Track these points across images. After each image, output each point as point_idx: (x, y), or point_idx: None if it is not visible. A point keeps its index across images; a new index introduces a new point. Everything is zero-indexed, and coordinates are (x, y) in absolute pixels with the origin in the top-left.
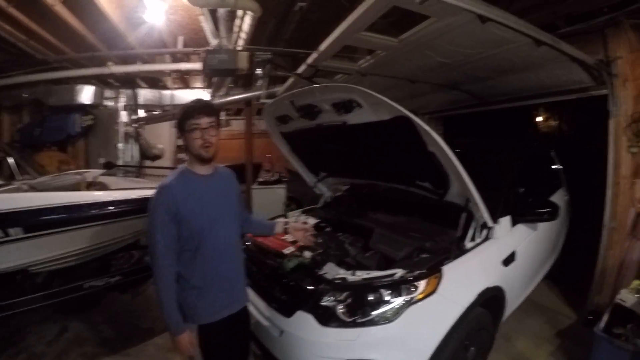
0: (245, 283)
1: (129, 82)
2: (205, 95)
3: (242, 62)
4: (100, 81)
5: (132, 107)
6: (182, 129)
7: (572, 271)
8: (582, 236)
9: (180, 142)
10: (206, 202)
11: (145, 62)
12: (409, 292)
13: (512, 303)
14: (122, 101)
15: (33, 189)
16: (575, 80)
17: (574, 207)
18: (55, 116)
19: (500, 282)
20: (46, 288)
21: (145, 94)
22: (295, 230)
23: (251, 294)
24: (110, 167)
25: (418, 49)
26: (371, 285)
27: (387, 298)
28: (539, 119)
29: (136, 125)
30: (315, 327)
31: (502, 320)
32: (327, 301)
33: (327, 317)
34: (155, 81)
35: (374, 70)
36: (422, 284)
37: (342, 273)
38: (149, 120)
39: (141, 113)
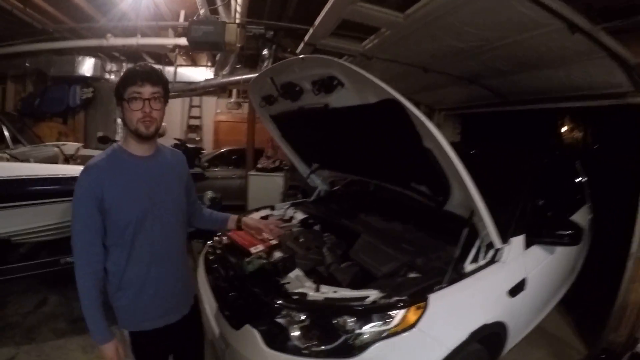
0: (190, 290)
1: (133, 56)
2: (208, 73)
3: (231, 36)
4: (106, 54)
5: None
6: (120, 96)
7: (587, 299)
8: (603, 261)
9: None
10: (139, 189)
11: (145, 35)
12: (381, 323)
13: (515, 337)
14: None
15: (14, 158)
16: (612, 83)
17: (598, 228)
18: (55, 87)
19: (502, 317)
20: (30, 259)
21: None
22: (248, 227)
23: (209, 294)
24: (104, 141)
25: (427, 28)
26: (333, 308)
27: (351, 327)
28: (564, 128)
29: None
30: (260, 348)
31: (501, 355)
32: (280, 319)
33: (275, 339)
34: (161, 57)
35: (379, 52)
36: (399, 315)
37: (306, 286)
38: None
39: None
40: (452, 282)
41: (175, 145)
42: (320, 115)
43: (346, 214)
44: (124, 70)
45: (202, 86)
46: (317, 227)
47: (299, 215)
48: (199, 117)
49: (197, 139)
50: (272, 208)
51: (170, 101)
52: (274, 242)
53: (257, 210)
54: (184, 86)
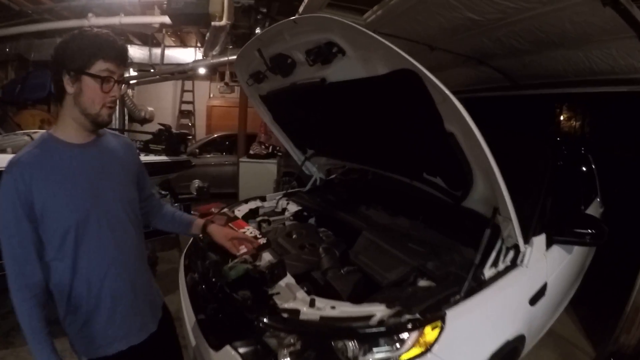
0: (156, 301)
1: (117, 37)
2: (198, 55)
3: (215, 6)
4: None
5: None
6: (80, 69)
7: (595, 298)
8: (613, 259)
9: (74, 90)
10: (78, 185)
11: (128, 14)
12: (390, 348)
13: (529, 346)
14: None
15: None
16: (637, 68)
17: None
18: (37, 72)
19: (524, 329)
20: None
21: (133, 52)
22: (216, 233)
23: (188, 303)
24: None
25: None
26: (331, 331)
27: (353, 353)
28: (567, 116)
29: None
30: None
31: None
32: (268, 339)
33: None
34: (147, 38)
35: (384, 26)
36: (411, 338)
37: (299, 298)
38: (135, 79)
39: (132, 73)
40: (470, 292)
41: (160, 131)
42: (316, 93)
43: (345, 206)
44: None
45: (190, 68)
46: (312, 221)
47: (292, 207)
48: (191, 102)
49: (189, 124)
50: (263, 199)
51: (161, 86)
52: (262, 240)
53: (246, 202)
54: (173, 68)
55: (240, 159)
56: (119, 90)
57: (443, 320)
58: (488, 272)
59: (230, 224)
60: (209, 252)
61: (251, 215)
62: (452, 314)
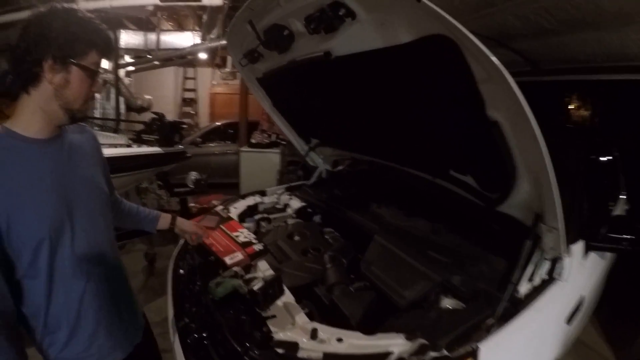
0: (138, 309)
1: (112, 22)
2: (195, 39)
3: None
4: None
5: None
6: (70, 57)
7: (618, 300)
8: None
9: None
10: (47, 188)
11: None
12: None
13: None
14: None
15: None
16: None
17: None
18: None
19: (557, 351)
20: None
21: (127, 39)
22: (182, 231)
23: (172, 324)
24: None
25: None
26: None
27: None
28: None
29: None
30: None
31: None
32: None
33: None
34: (143, 22)
35: None
36: None
37: (298, 322)
38: (132, 66)
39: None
40: (505, 318)
41: (153, 120)
42: (319, 71)
43: (354, 203)
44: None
45: (188, 52)
46: (317, 219)
47: (295, 203)
48: (193, 90)
49: (192, 112)
50: (263, 194)
51: (162, 73)
52: (258, 247)
53: (244, 197)
54: (169, 53)
55: (241, 149)
56: (100, 85)
57: (476, 356)
58: (524, 287)
59: (222, 227)
60: (200, 257)
61: (249, 212)
62: (486, 347)
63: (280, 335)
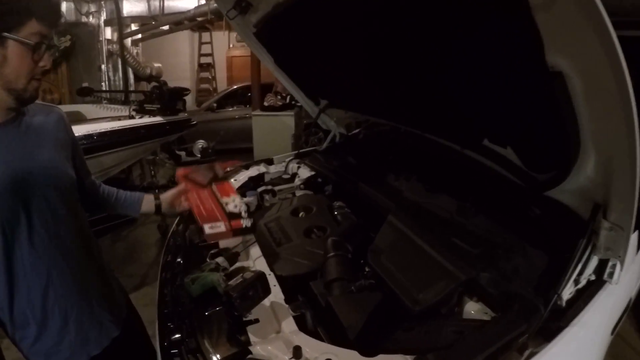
0: (117, 300)
1: None
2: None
3: None
4: None
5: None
6: (4, 31)
7: None
8: None
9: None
10: (2, 176)
11: None
12: None
13: None
14: (103, 16)
15: None
16: None
17: None
18: None
19: None
20: None
21: (130, 7)
22: (170, 205)
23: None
24: (85, 93)
25: None
26: None
27: None
28: None
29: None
30: None
31: None
32: None
33: None
34: None
35: None
36: None
37: (284, 331)
38: (136, 34)
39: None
40: (544, 332)
41: (153, 88)
42: (314, 9)
43: (369, 173)
44: (102, 9)
45: (192, 15)
46: (327, 189)
47: (304, 173)
48: (210, 55)
49: (209, 77)
50: (270, 162)
51: (177, 39)
52: (246, 223)
53: (247, 167)
54: (174, 18)
55: (253, 113)
56: (50, 58)
57: None
58: (567, 292)
59: (213, 186)
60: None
61: (253, 184)
62: None
63: (257, 348)
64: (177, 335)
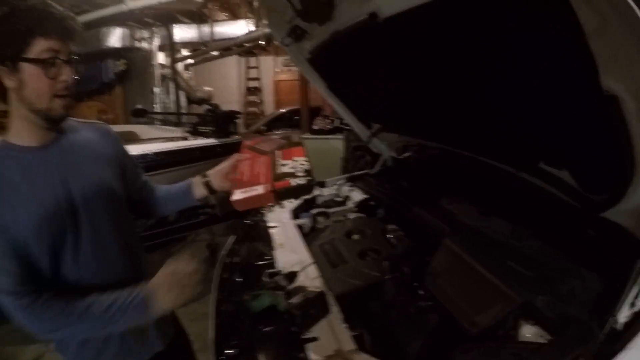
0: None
1: (164, 19)
2: (248, 26)
3: None
4: (134, 21)
5: (168, 47)
6: (14, 54)
7: None
8: None
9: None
10: (46, 194)
11: None
12: None
13: None
14: (156, 41)
15: None
16: None
17: None
18: (86, 65)
19: None
20: None
21: (181, 33)
22: (219, 180)
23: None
24: (140, 114)
25: None
26: None
27: None
28: None
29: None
30: None
31: None
32: None
33: None
34: (195, 15)
35: None
36: None
37: (343, 349)
38: (190, 59)
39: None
40: (601, 356)
41: (207, 111)
42: (368, 39)
43: (422, 197)
44: (154, 35)
45: (242, 40)
46: (380, 212)
47: (357, 196)
48: (257, 79)
49: (257, 101)
50: (322, 185)
51: (225, 64)
52: (296, 182)
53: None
54: (224, 43)
55: (302, 136)
56: (71, 72)
57: None
58: (623, 316)
59: (277, 152)
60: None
61: (306, 206)
62: None
63: None
64: (232, 351)
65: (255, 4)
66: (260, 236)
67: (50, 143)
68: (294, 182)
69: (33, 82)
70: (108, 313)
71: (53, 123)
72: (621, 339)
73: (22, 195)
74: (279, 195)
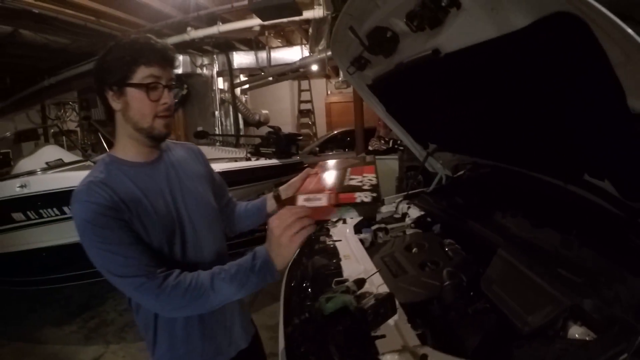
0: (247, 315)
1: (222, 46)
2: (303, 52)
3: None
4: (195, 49)
5: (227, 73)
6: (120, 81)
7: None
8: None
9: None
10: (158, 210)
11: (225, 21)
12: None
13: None
14: (216, 67)
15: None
16: None
17: None
18: None
19: None
20: None
21: (239, 59)
22: (290, 192)
23: (282, 345)
24: (202, 136)
25: None
26: None
27: None
28: None
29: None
30: None
31: None
32: None
33: None
34: (251, 42)
35: None
36: None
37: (409, 345)
38: (246, 84)
39: (242, 78)
40: None
41: (268, 133)
42: (429, 71)
43: (476, 212)
44: (214, 61)
45: (298, 66)
46: (436, 228)
47: (414, 213)
48: (309, 101)
49: (309, 123)
50: (381, 202)
51: (278, 88)
52: (362, 197)
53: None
54: (281, 69)
55: (358, 157)
56: (171, 96)
57: None
58: None
59: (349, 169)
60: (311, 269)
61: (366, 222)
62: None
63: (387, 357)
64: (306, 348)
65: (311, 31)
66: (323, 249)
67: (155, 160)
68: (359, 197)
69: (137, 104)
70: (237, 278)
71: (155, 141)
72: None
73: (141, 201)
74: (338, 207)
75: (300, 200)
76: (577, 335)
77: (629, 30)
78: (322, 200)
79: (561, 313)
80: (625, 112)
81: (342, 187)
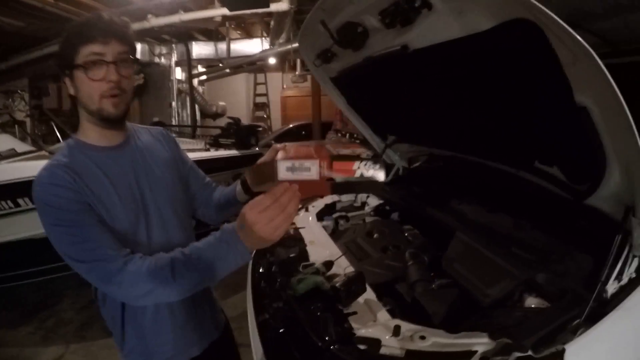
0: (216, 306)
1: (183, 36)
2: (263, 44)
3: None
4: (153, 38)
5: (185, 63)
6: (68, 63)
7: None
8: None
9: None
10: (122, 191)
11: (188, 10)
12: None
13: None
14: (174, 57)
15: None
16: None
17: None
18: None
19: None
20: None
21: (199, 49)
22: (253, 177)
23: (254, 326)
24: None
25: None
26: None
27: None
28: None
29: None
30: None
31: None
32: None
33: None
34: (212, 33)
35: None
36: None
37: (380, 319)
38: (204, 75)
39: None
40: (593, 317)
41: (228, 124)
42: (396, 65)
43: (433, 199)
44: (173, 51)
45: (257, 58)
46: (395, 216)
47: (373, 201)
48: (265, 95)
49: (264, 116)
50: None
51: (234, 80)
52: (364, 170)
53: (322, 196)
54: (240, 61)
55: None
56: (118, 72)
57: (562, 358)
58: (611, 287)
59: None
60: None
61: (327, 211)
62: (572, 349)
63: (362, 331)
64: (281, 330)
65: (272, 24)
66: (288, 236)
67: (121, 144)
68: (358, 168)
69: (83, 86)
70: (203, 260)
71: (109, 123)
72: (609, 305)
73: (104, 185)
74: (336, 188)
75: (282, 169)
76: (533, 306)
77: (576, 35)
78: (312, 171)
79: (517, 286)
80: (572, 105)
81: (334, 156)
